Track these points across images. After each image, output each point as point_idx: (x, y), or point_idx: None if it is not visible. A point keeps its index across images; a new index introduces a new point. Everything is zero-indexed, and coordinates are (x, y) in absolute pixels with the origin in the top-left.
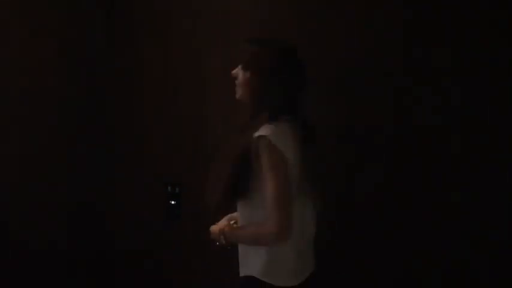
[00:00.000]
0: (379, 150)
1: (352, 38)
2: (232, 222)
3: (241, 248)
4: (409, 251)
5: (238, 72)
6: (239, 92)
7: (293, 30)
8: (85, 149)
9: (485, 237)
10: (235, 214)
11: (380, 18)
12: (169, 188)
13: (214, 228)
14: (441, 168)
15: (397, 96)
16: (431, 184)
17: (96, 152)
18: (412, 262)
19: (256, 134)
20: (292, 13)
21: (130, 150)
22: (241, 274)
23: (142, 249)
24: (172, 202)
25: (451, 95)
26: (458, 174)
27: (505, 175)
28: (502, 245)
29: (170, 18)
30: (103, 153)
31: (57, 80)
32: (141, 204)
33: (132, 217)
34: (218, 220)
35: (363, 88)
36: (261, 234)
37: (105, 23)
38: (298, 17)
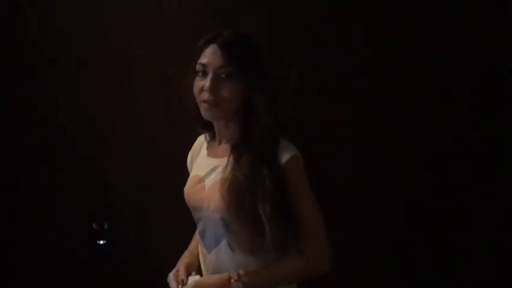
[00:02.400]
0: None
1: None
2: (193, 273)
3: None
4: None
5: (218, 82)
6: (224, 108)
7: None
8: None
9: None
10: (186, 262)
11: None
12: (94, 225)
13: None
14: None
15: None
16: None
17: None
18: None
19: (288, 154)
20: None
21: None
22: None
23: None
24: (101, 242)
25: None
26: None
27: None
28: None
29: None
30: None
31: None
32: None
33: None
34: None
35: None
36: (310, 268)
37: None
38: None
